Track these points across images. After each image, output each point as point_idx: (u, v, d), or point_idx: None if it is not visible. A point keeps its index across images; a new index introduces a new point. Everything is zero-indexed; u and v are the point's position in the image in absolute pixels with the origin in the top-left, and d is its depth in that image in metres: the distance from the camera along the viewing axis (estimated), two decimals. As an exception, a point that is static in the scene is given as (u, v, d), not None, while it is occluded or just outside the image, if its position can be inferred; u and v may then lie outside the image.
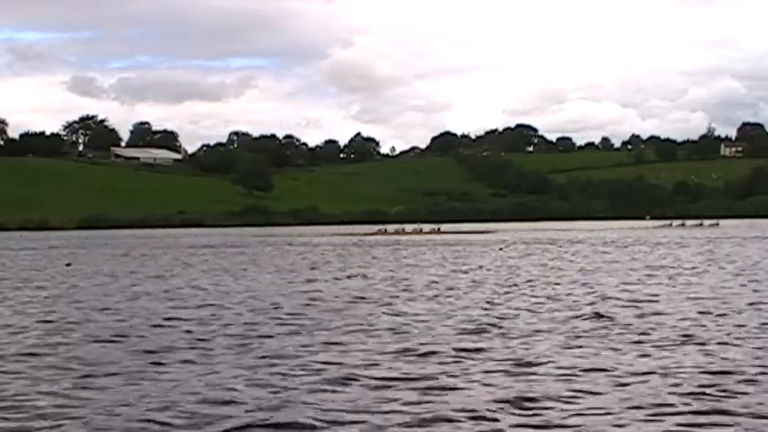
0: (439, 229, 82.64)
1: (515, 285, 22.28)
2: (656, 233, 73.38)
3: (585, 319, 14.73)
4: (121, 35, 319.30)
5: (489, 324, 14.21)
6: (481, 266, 31.16)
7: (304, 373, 10.14)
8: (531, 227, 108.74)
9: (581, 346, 11.82)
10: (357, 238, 71.36)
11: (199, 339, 13.25)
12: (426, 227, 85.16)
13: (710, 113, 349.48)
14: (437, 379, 9.57)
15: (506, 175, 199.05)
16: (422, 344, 12.00)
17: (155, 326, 15.04)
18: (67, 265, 38.16)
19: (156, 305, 18.91)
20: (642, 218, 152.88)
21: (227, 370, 10.55)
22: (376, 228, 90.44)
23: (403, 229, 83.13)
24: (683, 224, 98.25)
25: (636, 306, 16.77)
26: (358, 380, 9.59)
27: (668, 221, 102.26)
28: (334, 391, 9.07)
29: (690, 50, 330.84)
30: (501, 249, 45.51)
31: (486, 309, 16.73)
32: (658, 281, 23.15)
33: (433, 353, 11.24)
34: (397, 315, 15.74)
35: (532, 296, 19.17)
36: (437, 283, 23.46)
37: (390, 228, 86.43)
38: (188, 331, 14.18)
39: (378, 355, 11.18)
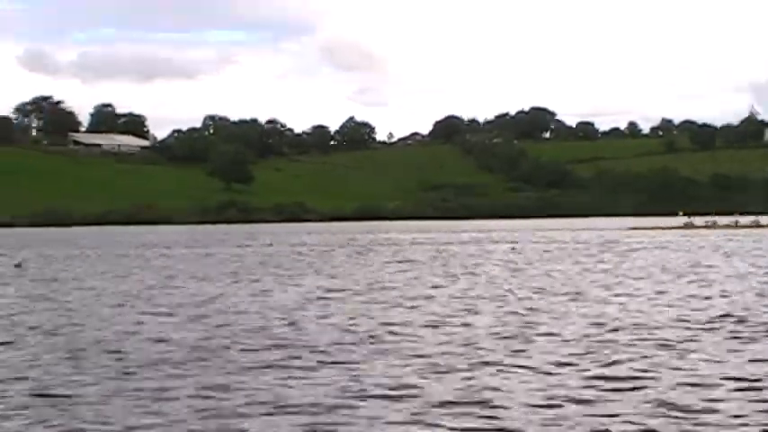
0: (737, 223, 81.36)
1: None
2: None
3: None
4: (83, 3, 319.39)
5: None
6: None
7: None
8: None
9: None
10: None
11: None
12: (724, 219, 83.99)
13: (758, 95, 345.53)
14: None
15: (519, 167, 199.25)
16: None
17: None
18: (17, 266, 38.75)
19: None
20: (675, 214, 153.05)
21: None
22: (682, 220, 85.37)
23: (714, 223, 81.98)
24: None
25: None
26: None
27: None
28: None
29: (736, 22, 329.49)
30: None
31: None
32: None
33: None
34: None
35: None
36: None
37: (697, 220, 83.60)
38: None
39: None
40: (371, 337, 15.53)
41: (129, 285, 27.40)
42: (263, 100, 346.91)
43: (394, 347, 14.31)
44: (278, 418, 9.82)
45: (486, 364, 12.75)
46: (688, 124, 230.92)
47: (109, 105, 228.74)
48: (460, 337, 15.25)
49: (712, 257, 38.74)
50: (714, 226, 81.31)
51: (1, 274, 33.64)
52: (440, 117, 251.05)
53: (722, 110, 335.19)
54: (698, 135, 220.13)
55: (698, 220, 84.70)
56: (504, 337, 15.21)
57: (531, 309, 19.28)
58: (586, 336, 15.28)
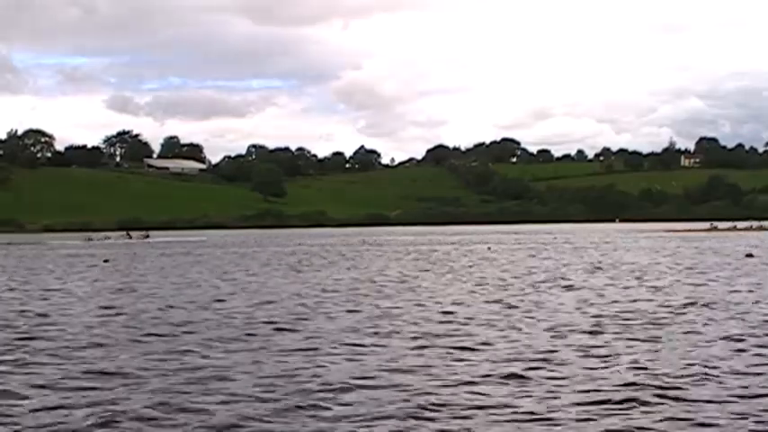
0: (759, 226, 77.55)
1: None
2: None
3: None
4: (155, 59, 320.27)
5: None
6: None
7: None
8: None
9: None
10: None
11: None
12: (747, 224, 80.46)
13: (676, 129, 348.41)
14: None
15: (492, 183, 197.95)
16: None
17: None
18: (105, 261, 38.89)
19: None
20: (613, 221, 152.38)
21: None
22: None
23: (734, 227, 78.68)
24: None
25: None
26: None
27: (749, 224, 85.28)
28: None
29: (660, 73, 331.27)
30: None
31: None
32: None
33: None
34: None
35: None
36: None
37: (720, 225, 79.88)
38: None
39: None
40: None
41: (202, 270, 27.59)
42: (293, 132, 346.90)
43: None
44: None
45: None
46: (622, 152, 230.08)
47: (175, 137, 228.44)
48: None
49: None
50: (734, 229, 77.62)
51: (94, 266, 33.94)
52: (431, 146, 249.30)
53: (649, 141, 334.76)
54: (630, 160, 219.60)
55: (721, 225, 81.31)
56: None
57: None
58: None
